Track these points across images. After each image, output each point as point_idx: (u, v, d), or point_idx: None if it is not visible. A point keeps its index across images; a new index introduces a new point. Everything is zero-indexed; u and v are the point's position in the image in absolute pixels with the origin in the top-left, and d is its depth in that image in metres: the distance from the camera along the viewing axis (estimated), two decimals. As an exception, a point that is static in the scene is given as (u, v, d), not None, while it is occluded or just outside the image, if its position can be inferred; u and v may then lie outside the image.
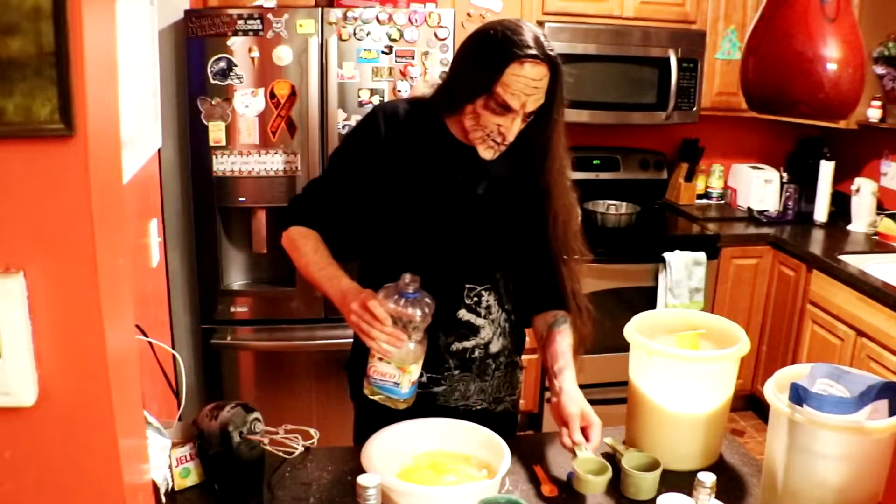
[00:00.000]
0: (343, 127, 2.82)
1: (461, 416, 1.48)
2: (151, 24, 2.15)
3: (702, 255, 3.29)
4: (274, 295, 2.98)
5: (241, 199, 2.84)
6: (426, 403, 1.50)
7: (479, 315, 1.56)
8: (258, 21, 2.69)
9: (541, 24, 3.17)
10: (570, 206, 1.53)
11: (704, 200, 3.92)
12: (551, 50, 1.38)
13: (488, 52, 1.37)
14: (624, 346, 1.53)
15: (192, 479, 1.37)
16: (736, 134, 3.94)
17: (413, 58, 2.81)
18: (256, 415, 1.33)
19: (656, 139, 3.88)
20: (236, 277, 3.03)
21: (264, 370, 3.01)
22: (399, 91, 2.82)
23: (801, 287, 3.25)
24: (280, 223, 1.59)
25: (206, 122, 2.75)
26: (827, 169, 3.53)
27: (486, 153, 1.45)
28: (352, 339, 1.69)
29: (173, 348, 2.70)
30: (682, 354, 1.48)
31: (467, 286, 1.54)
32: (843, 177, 3.66)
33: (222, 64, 2.71)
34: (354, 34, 2.76)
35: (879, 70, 3.29)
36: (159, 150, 2.38)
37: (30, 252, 0.82)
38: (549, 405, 1.50)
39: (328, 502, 1.35)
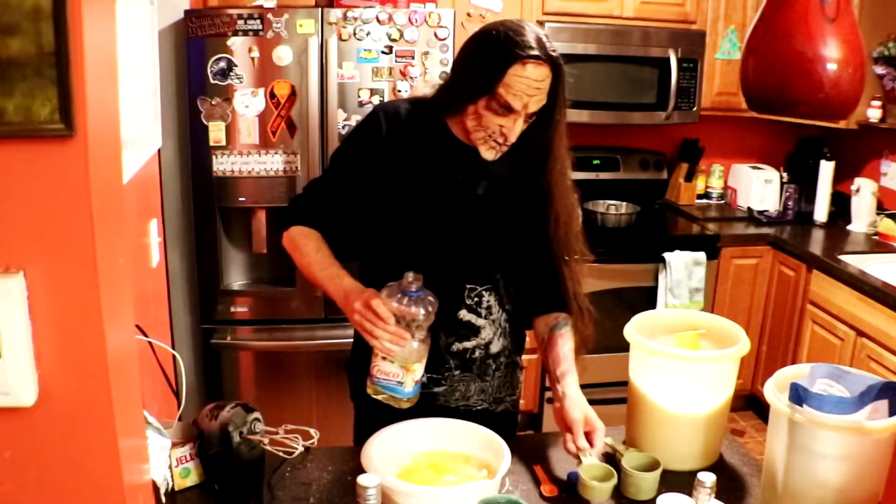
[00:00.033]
0: (343, 127, 2.82)
1: (461, 417, 1.48)
2: (151, 24, 2.15)
3: (702, 255, 3.29)
4: (274, 295, 2.98)
5: (241, 199, 2.84)
6: (426, 403, 1.50)
7: (479, 315, 1.56)
8: (258, 21, 2.69)
9: (541, 23, 3.17)
10: (572, 207, 1.53)
11: (704, 200, 3.92)
12: (553, 51, 1.38)
13: (490, 52, 1.37)
14: (624, 346, 1.53)
15: (192, 479, 1.37)
16: (736, 134, 3.94)
17: (413, 58, 2.81)
18: (256, 415, 1.33)
19: (656, 139, 3.88)
20: (236, 277, 3.03)
21: (264, 370, 3.01)
22: (399, 91, 2.82)
23: (801, 287, 3.25)
24: (281, 223, 1.59)
25: (206, 122, 2.75)
26: (827, 169, 3.53)
27: (488, 154, 1.45)
28: (352, 339, 1.69)
29: (173, 348, 2.70)
30: (682, 354, 1.48)
31: (468, 286, 1.54)
32: (843, 177, 3.66)
33: (222, 64, 2.71)
34: (354, 34, 2.76)
35: (879, 70, 3.29)
36: (159, 150, 2.38)
37: (30, 252, 0.82)
38: (552, 409, 1.49)
39: (328, 502, 1.35)
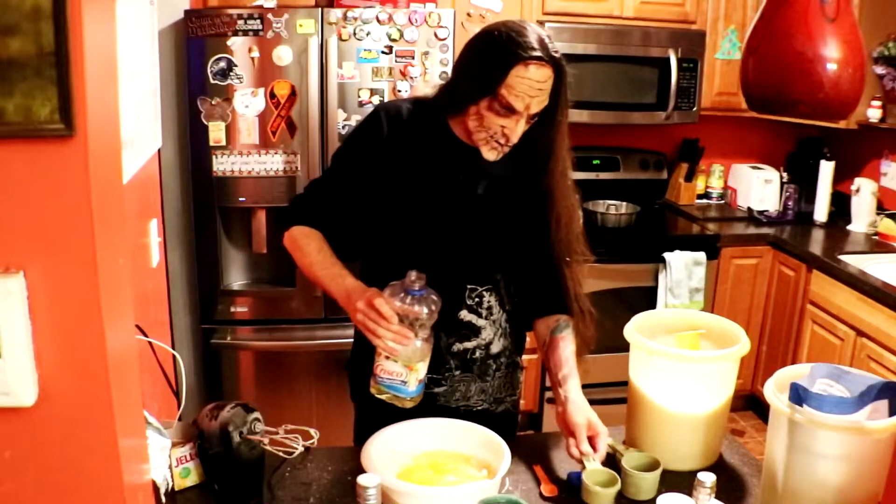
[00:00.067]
0: (343, 127, 2.82)
1: (462, 417, 1.48)
2: (151, 24, 2.15)
3: (702, 255, 3.29)
4: (274, 295, 2.98)
5: (241, 199, 2.84)
6: (427, 404, 1.50)
7: (480, 316, 1.56)
8: (258, 21, 2.69)
9: (541, 23, 3.17)
10: (573, 208, 1.53)
11: (704, 200, 3.92)
12: (556, 52, 1.38)
13: (493, 53, 1.37)
14: (624, 346, 1.53)
15: (192, 479, 1.37)
16: (736, 134, 3.94)
17: (413, 58, 2.81)
18: (256, 415, 1.33)
19: (656, 139, 3.88)
20: (236, 277, 3.03)
21: (264, 370, 3.01)
22: (399, 91, 2.82)
23: (801, 287, 3.26)
24: (282, 223, 1.59)
25: (206, 122, 2.75)
26: (827, 169, 3.53)
27: (490, 154, 1.45)
28: (352, 339, 1.69)
29: (173, 348, 2.70)
30: (682, 354, 1.48)
31: (469, 287, 1.54)
32: (843, 177, 3.66)
33: (222, 64, 2.71)
34: (354, 34, 2.76)
35: (879, 70, 3.29)
36: (159, 150, 2.38)
37: (30, 252, 0.82)
38: (554, 413, 1.49)
39: (328, 502, 1.35)
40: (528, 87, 1.35)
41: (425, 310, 1.34)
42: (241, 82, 2.73)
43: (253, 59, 2.71)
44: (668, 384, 1.46)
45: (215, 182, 2.81)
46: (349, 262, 1.51)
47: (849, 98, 1.58)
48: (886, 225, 3.35)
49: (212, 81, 2.71)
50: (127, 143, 1.67)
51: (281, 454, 1.46)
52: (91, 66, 0.81)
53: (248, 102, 2.75)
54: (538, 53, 1.34)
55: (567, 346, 1.53)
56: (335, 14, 2.74)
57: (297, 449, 1.47)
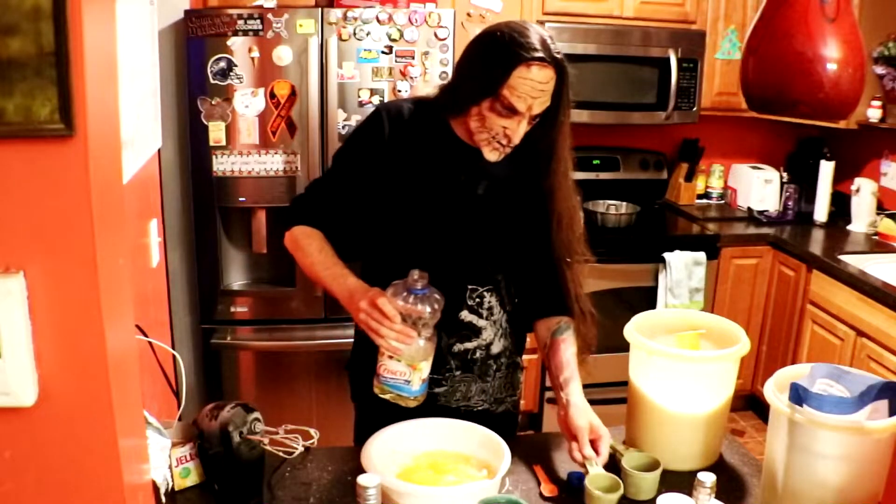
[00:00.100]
0: (343, 127, 2.82)
1: (462, 417, 1.47)
2: (151, 24, 2.15)
3: (702, 255, 3.29)
4: (274, 295, 2.98)
5: (241, 199, 2.84)
6: (427, 404, 1.49)
7: (480, 316, 1.56)
8: (258, 21, 2.69)
9: (541, 23, 3.17)
10: (574, 209, 1.52)
11: (704, 200, 3.92)
12: (558, 53, 1.37)
13: (495, 54, 1.36)
14: (624, 346, 1.53)
15: (192, 479, 1.37)
16: (736, 134, 3.94)
17: (413, 58, 2.81)
18: (256, 415, 1.33)
19: (656, 139, 3.88)
20: (236, 277, 3.03)
21: (264, 370, 3.02)
22: (399, 91, 2.82)
23: (801, 287, 3.26)
24: (283, 223, 1.58)
25: (206, 122, 2.75)
26: (827, 169, 3.53)
27: (491, 155, 1.44)
28: (352, 340, 1.69)
29: (173, 348, 2.70)
30: (682, 354, 1.48)
31: (469, 287, 1.54)
32: (843, 177, 3.66)
33: (222, 64, 2.71)
34: (354, 34, 2.76)
35: (879, 70, 3.29)
36: (159, 150, 2.38)
37: (30, 252, 0.82)
38: (554, 413, 1.49)
39: (328, 502, 1.35)
40: (531, 87, 1.35)
41: (428, 309, 1.34)
42: (241, 82, 2.73)
43: (253, 59, 2.71)
44: (668, 384, 1.46)
45: (215, 182, 2.81)
46: (350, 262, 1.51)
47: (849, 98, 1.58)
48: (886, 225, 3.35)
49: (212, 81, 2.71)
50: (127, 143, 1.67)
51: (281, 454, 1.46)
52: (91, 66, 0.81)
53: (248, 102, 2.75)
54: (540, 54, 1.34)
55: (568, 348, 1.53)
56: (335, 14, 2.74)
57: (297, 449, 1.47)
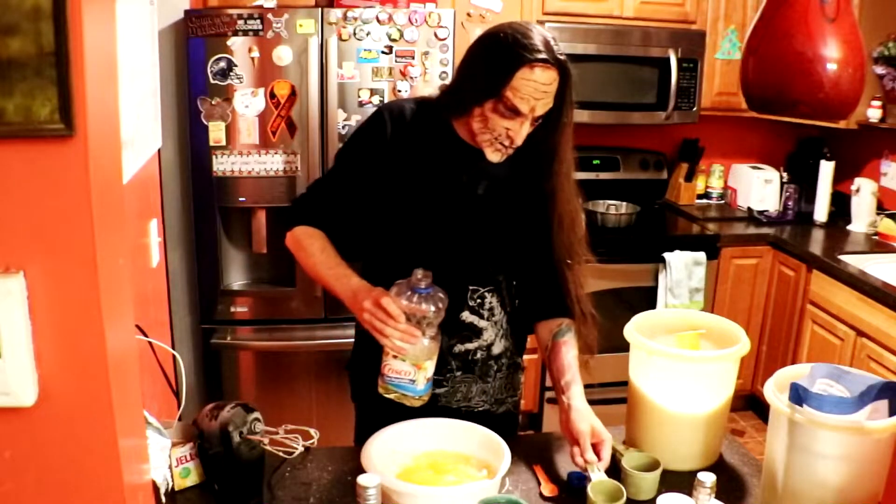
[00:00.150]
0: (343, 127, 2.82)
1: (463, 418, 1.47)
2: (151, 24, 2.15)
3: (702, 255, 3.29)
4: (274, 295, 2.98)
5: (241, 199, 2.84)
6: (428, 404, 1.49)
7: (481, 317, 1.56)
8: (258, 21, 2.69)
9: (541, 23, 3.17)
10: (575, 211, 1.52)
11: (704, 200, 3.92)
12: (561, 54, 1.37)
13: (498, 55, 1.36)
14: (624, 346, 1.53)
15: (192, 479, 1.37)
16: (736, 134, 3.94)
17: (413, 58, 2.81)
18: (256, 415, 1.33)
19: (656, 139, 3.88)
20: (236, 277, 3.03)
21: (264, 370, 3.02)
22: (399, 91, 2.82)
23: (801, 287, 3.26)
24: (284, 223, 1.58)
25: (206, 122, 2.75)
26: (827, 169, 3.53)
27: (494, 156, 1.44)
28: (352, 340, 1.69)
29: (173, 348, 2.70)
30: (682, 354, 1.48)
31: (470, 288, 1.54)
32: (843, 177, 3.66)
33: (222, 64, 2.71)
34: (354, 34, 2.76)
35: (879, 70, 3.29)
36: (159, 150, 2.38)
37: (30, 252, 0.82)
38: (554, 413, 1.49)
39: (328, 502, 1.35)
40: (534, 89, 1.35)
41: (432, 308, 1.34)
42: (241, 82, 2.73)
43: (253, 59, 2.71)
44: (668, 384, 1.46)
45: (215, 182, 2.81)
46: (351, 262, 1.51)
47: (849, 98, 1.58)
48: (886, 225, 3.35)
49: (212, 81, 2.71)
50: (127, 143, 1.67)
51: (281, 454, 1.46)
52: (91, 66, 0.81)
53: (248, 102, 2.75)
54: (543, 56, 1.34)
55: (569, 350, 1.53)
56: (335, 14, 2.74)
57: (297, 449, 1.47)
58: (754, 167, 3.83)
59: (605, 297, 3.20)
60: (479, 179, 1.52)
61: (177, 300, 2.99)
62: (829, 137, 3.77)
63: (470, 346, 1.56)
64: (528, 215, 1.54)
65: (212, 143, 2.77)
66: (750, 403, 3.69)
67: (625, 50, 3.34)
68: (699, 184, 3.91)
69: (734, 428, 3.55)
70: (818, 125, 3.52)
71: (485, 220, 1.53)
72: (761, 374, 3.52)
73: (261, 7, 2.75)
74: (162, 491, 1.27)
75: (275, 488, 1.38)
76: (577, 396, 1.46)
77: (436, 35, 2.81)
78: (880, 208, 3.52)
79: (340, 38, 2.75)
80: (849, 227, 3.51)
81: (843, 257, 3.09)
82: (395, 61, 2.81)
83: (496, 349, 1.59)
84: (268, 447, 1.39)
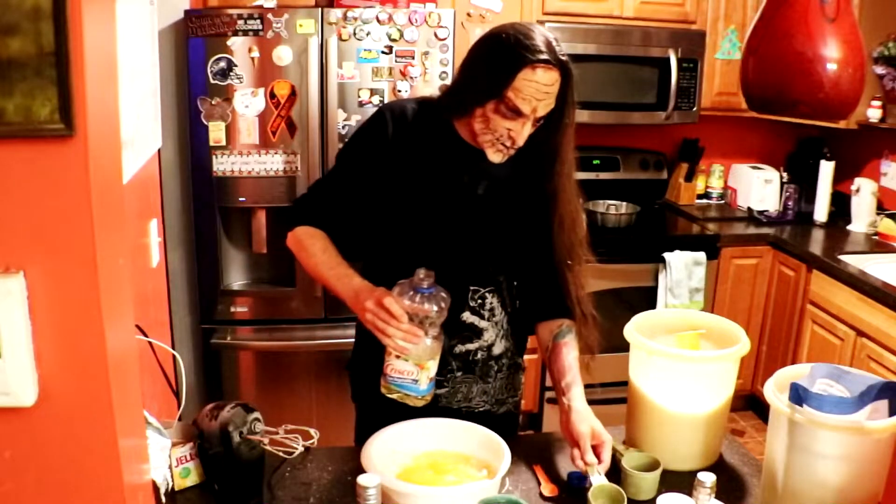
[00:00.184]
0: (343, 127, 2.82)
1: (464, 418, 1.47)
2: (151, 24, 2.15)
3: (702, 255, 3.29)
4: (274, 295, 2.98)
5: (241, 199, 2.84)
6: (429, 405, 1.49)
7: (482, 317, 1.56)
8: (258, 21, 2.69)
9: (541, 23, 3.17)
10: (576, 212, 1.52)
11: (704, 200, 3.92)
12: (563, 55, 1.37)
13: (500, 56, 1.36)
14: (624, 346, 1.53)
15: (192, 479, 1.37)
16: (736, 134, 3.94)
17: (413, 58, 2.81)
18: (256, 415, 1.33)
19: (656, 139, 3.88)
20: (236, 277, 3.03)
21: (264, 370, 3.02)
22: (399, 91, 2.82)
23: (801, 287, 3.26)
24: (285, 223, 1.58)
25: (206, 122, 2.75)
26: (827, 169, 3.53)
27: (495, 157, 1.44)
28: (352, 340, 1.69)
29: (173, 348, 2.70)
30: (682, 354, 1.48)
31: (471, 288, 1.54)
32: (843, 177, 3.66)
33: (222, 64, 2.71)
34: (354, 34, 2.76)
35: (879, 70, 3.29)
36: (159, 150, 2.38)
37: (30, 252, 0.82)
38: (554, 413, 1.49)
39: (328, 502, 1.35)
40: (535, 90, 1.35)
41: (435, 307, 1.33)
42: (241, 82, 2.73)
43: (253, 59, 2.71)
44: (668, 384, 1.46)
45: (215, 182, 2.81)
46: (353, 262, 1.51)
47: (849, 98, 1.58)
48: (886, 225, 3.35)
49: (212, 81, 2.71)
50: (127, 143, 1.67)
51: (281, 454, 1.46)
52: (91, 66, 0.81)
53: (248, 102, 2.75)
54: (545, 56, 1.34)
55: (570, 352, 1.53)
56: (335, 14, 2.74)
57: (297, 449, 1.47)
58: (754, 167, 3.83)
59: (605, 297, 3.20)
60: (480, 180, 1.51)
61: (177, 300, 2.99)
62: (829, 137, 3.77)
63: (470, 346, 1.56)
64: (529, 216, 1.54)
65: (212, 143, 2.77)
66: (750, 403, 3.69)
67: (625, 50, 3.34)
68: (699, 184, 3.91)
69: (734, 428, 3.55)
70: (818, 125, 3.52)
71: (486, 220, 1.53)
72: (761, 374, 3.52)
73: (261, 7, 2.75)
74: (162, 491, 1.27)
75: (275, 488, 1.38)
76: (577, 398, 1.45)
77: (436, 35, 2.81)
78: (880, 208, 3.52)
79: (340, 38, 2.75)
80: (849, 227, 3.51)
81: (843, 257, 3.09)
82: (395, 61, 2.81)
83: (497, 350, 1.59)
84: (268, 447, 1.39)
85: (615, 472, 1.38)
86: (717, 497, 1.20)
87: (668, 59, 3.35)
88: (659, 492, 1.31)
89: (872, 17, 3.16)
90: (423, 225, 1.52)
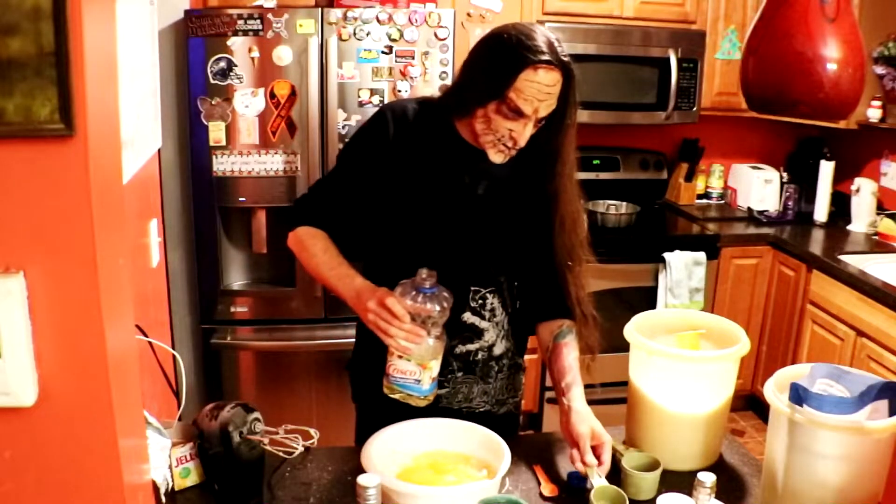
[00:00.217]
0: (343, 127, 2.82)
1: (464, 419, 1.47)
2: (151, 24, 2.15)
3: (702, 255, 3.29)
4: (274, 295, 2.98)
5: (241, 199, 2.84)
6: (430, 405, 1.49)
7: (483, 318, 1.56)
8: (258, 21, 2.69)
9: (541, 23, 3.17)
10: (578, 212, 1.51)
11: (704, 200, 3.92)
12: (565, 55, 1.37)
13: (501, 56, 1.36)
14: (624, 346, 1.53)
15: (192, 479, 1.37)
16: (736, 134, 3.94)
17: (413, 58, 2.81)
18: (256, 415, 1.33)
19: (656, 139, 3.88)
20: (236, 277, 3.03)
21: (264, 370, 3.02)
22: (399, 91, 2.82)
23: (801, 287, 3.26)
24: (286, 223, 1.58)
25: (206, 122, 2.75)
26: (827, 169, 3.53)
27: (497, 157, 1.44)
28: (352, 340, 1.69)
29: (173, 348, 2.70)
30: (682, 354, 1.48)
31: (472, 289, 1.54)
32: (843, 177, 3.66)
33: (222, 64, 2.71)
34: (354, 34, 2.76)
35: (879, 70, 3.29)
36: (159, 150, 2.38)
37: (30, 252, 0.82)
38: (553, 413, 1.49)
39: (328, 502, 1.35)
40: (537, 90, 1.34)
41: (437, 307, 1.33)
42: (241, 82, 2.73)
43: (253, 59, 2.71)
44: (668, 384, 1.46)
45: (215, 182, 2.81)
46: (353, 262, 1.51)
47: (849, 98, 1.58)
48: (886, 225, 3.35)
49: (212, 81, 2.71)
50: (127, 143, 1.67)
51: (281, 454, 1.46)
52: (91, 66, 0.81)
53: (248, 102, 2.75)
54: (547, 57, 1.33)
55: (570, 352, 1.52)
56: (335, 14, 2.74)
57: (297, 449, 1.47)
58: (754, 167, 3.83)
59: (605, 297, 3.20)
60: (481, 180, 1.51)
61: (177, 300, 2.99)
62: (829, 137, 3.77)
63: (471, 346, 1.56)
64: (530, 216, 1.54)
65: (212, 143, 2.77)
66: (750, 403, 3.69)
67: (625, 50, 3.34)
68: (699, 184, 3.91)
69: (734, 428, 3.55)
70: (818, 125, 3.52)
71: (487, 221, 1.53)
72: (761, 374, 3.52)
73: (261, 7, 2.75)
74: (162, 491, 1.27)
75: (275, 488, 1.38)
76: (577, 398, 1.45)
77: (436, 35, 2.81)
78: (880, 208, 3.52)
79: (340, 38, 2.75)
80: (849, 227, 3.51)
81: (843, 257, 3.09)
82: (395, 61, 2.81)
83: (497, 350, 1.59)
84: (268, 447, 1.39)
85: (615, 472, 1.38)
86: (717, 497, 1.20)
87: (668, 59, 3.35)
88: (659, 492, 1.31)
89: (872, 17, 3.16)
90: (424, 225, 1.52)
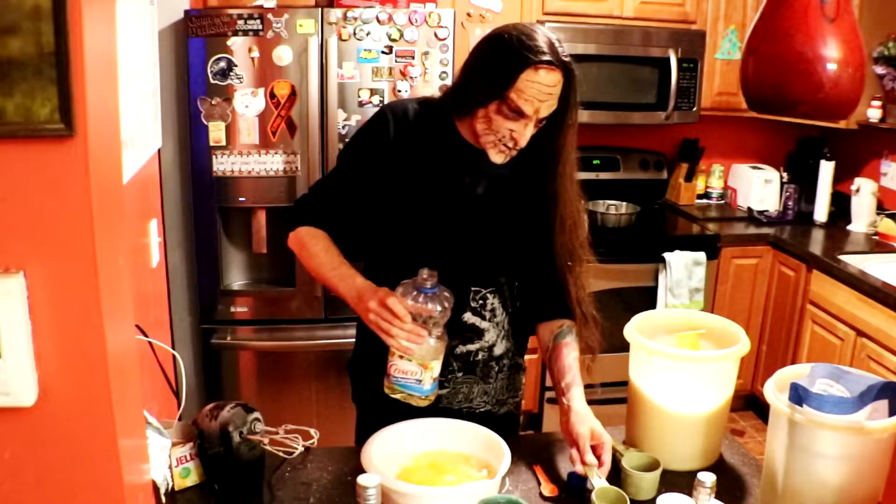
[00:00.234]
0: (343, 127, 2.82)
1: (464, 419, 1.47)
2: (151, 24, 2.15)
3: (702, 255, 3.29)
4: (274, 295, 2.98)
5: (241, 199, 2.84)
6: (430, 405, 1.49)
7: (483, 318, 1.56)
8: (258, 21, 2.69)
9: (541, 23, 3.17)
10: (578, 213, 1.51)
11: (704, 200, 3.92)
12: (566, 56, 1.37)
13: (502, 56, 1.36)
14: (624, 346, 1.53)
15: (192, 479, 1.37)
16: (736, 134, 3.94)
17: (413, 58, 2.81)
18: (256, 415, 1.33)
19: (656, 139, 3.88)
20: (236, 277, 3.03)
21: (264, 370, 3.02)
22: (399, 91, 2.82)
23: (801, 287, 3.26)
24: (287, 223, 1.58)
25: (206, 122, 2.75)
26: (827, 169, 3.53)
27: (497, 158, 1.44)
28: (352, 340, 1.69)
29: (173, 348, 2.70)
30: (682, 354, 1.48)
31: (473, 289, 1.54)
32: (843, 177, 3.66)
33: (222, 64, 2.71)
34: (354, 34, 2.76)
35: (879, 70, 3.29)
36: (159, 150, 2.38)
37: (30, 252, 0.82)
38: (554, 414, 1.49)
39: (328, 502, 1.35)
40: (538, 91, 1.34)
41: (438, 307, 1.33)
42: (241, 82, 2.73)
43: (253, 59, 2.71)
44: (668, 384, 1.47)
45: (215, 182, 2.81)
46: (354, 262, 1.51)
47: (849, 98, 1.58)
48: (886, 225, 3.35)
49: (212, 81, 2.72)
50: (127, 143, 1.67)
51: (281, 454, 1.46)
52: (91, 66, 0.81)
53: (248, 102, 2.75)
54: (548, 57, 1.33)
55: (570, 352, 1.52)
56: (335, 14, 2.74)
57: (297, 449, 1.47)
58: (754, 167, 3.83)
59: (605, 297, 3.19)
60: (482, 180, 1.51)
61: (177, 300, 2.99)
62: (829, 137, 3.77)
63: (472, 347, 1.56)
64: (531, 217, 1.54)
65: (212, 143, 2.77)
66: (750, 403, 3.69)
67: (625, 50, 3.34)
68: (699, 184, 3.91)
69: (734, 428, 3.55)
70: (818, 125, 3.52)
71: (487, 221, 1.53)
72: (761, 374, 3.52)
73: (261, 7, 2.75)
74: (162, 491, 1.27)
75: (275, 488, 1.38)
76: (576, 398, 1.45)
77: (436, 35, 2.81)
78: (880, 208, 3.52)
79: (340, 38, 2.75)
80: (849, 227, 3.51)
81: (843, 257, 3.09)
82: (395, 61, 2.81)
83: (498, 350, 1.59)
84: (268, 447, 1.39)
85: (615, 472, 1.38)
86: (717, 497, 1.20)
87: (668, 59, 3.35)
88: (659, 492, 1.31)
89: (872, 17, 3.17)
90: (425, 225, 1.52)
